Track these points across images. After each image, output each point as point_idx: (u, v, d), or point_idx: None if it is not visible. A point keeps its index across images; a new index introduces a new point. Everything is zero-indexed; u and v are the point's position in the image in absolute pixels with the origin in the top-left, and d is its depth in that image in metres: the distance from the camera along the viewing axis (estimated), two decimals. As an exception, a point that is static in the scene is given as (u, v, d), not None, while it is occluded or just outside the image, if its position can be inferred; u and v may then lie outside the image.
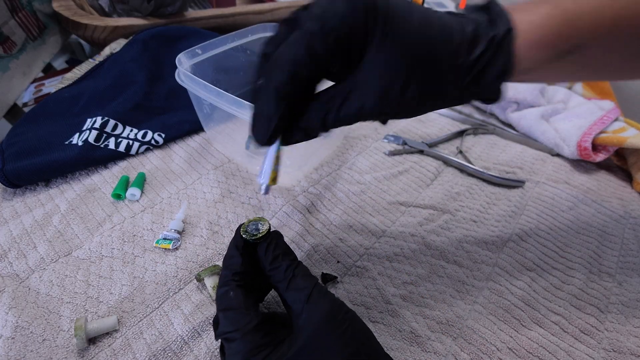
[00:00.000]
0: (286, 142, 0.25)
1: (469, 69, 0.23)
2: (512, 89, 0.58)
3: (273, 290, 0.34)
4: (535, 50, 0.23)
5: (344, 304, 0.25)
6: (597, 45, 0.25)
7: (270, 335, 0.24)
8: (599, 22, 0.24)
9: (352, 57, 0.22)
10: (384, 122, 0.26)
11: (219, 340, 0.26)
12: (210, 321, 0.31)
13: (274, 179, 0.28)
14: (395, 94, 0.22)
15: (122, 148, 0.45)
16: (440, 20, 0.22)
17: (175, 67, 0.41)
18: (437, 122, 0.60)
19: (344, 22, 0.20)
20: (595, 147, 0.51)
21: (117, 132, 0.46)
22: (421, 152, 0.53)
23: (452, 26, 0.22)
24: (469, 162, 0.51)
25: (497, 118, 0.63)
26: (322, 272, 0.36)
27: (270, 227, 0.28)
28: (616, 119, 0.55)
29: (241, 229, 0.28)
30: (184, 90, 0.42)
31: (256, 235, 0.27)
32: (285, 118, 0.22)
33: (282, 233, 0.30)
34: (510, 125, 0.60)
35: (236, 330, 0.23)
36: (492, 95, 0.25)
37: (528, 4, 0.24)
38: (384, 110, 0.23)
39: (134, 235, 0.38)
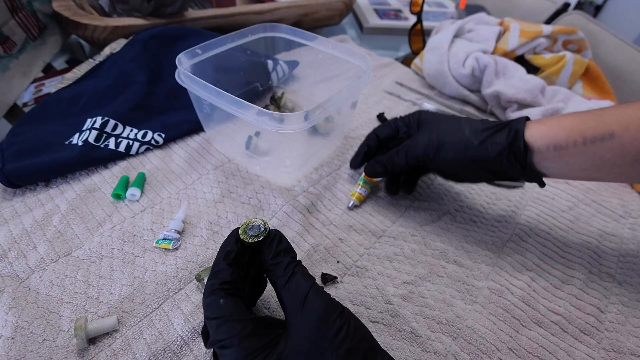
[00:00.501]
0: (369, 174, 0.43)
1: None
2: (513, 89, 0.57)
3: (272, 291, 0.34)
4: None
5: (340, 303, 0.25)
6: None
7: (265, 338, 0.24)
8: None
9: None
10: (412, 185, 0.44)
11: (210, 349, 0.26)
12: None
13: (359, 199, 0.43)
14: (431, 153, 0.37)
15: (122, 148, 0.45)
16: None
17: (175, 67, 0.41)
18: (437, 122, 0.60)
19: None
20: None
21: (117, 132, 0.46)
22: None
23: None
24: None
25: (497, 118, 0.63)
26: (322, 272, 0.36)
27: (268, 227, 0.28)
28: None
29: (240, 232, 0.28)
30: (184, 90, 0.42)
31: (258, 236, 0.27)
32: (365, 154, 0.45)
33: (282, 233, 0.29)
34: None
35: (232, 337, 0.23)
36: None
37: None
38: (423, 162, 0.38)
39: (134, 236, 0.38)
